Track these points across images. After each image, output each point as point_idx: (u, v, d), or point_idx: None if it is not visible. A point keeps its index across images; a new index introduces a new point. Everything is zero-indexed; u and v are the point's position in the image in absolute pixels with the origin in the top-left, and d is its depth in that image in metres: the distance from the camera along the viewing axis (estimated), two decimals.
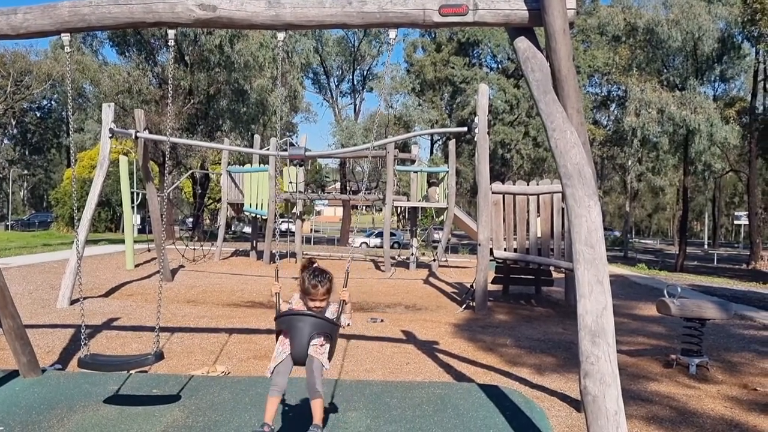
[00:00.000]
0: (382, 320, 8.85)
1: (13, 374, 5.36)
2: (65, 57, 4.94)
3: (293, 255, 17.33)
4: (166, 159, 24.25)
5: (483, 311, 9.83)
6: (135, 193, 18.88)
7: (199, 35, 30.26)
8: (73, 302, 9.47)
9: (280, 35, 4.66)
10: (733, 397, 5.48)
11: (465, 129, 11.42)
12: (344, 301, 3.88)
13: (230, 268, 16.09)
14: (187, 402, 4.76)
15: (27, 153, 56.61)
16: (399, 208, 18.90)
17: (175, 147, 26.99)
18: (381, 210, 22.25)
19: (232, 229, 42.23)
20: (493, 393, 5.12)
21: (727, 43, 32.86)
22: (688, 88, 32.52)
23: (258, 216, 18.21)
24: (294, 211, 18.20)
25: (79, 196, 5.43)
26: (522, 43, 4.37)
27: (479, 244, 10.14)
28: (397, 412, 4.60)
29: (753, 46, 33.21)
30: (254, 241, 19.41)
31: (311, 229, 46.17)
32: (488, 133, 11.00)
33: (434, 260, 17.46)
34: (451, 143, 17.78)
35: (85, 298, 6.58)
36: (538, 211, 10.76)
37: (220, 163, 21.87)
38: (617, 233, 64.13)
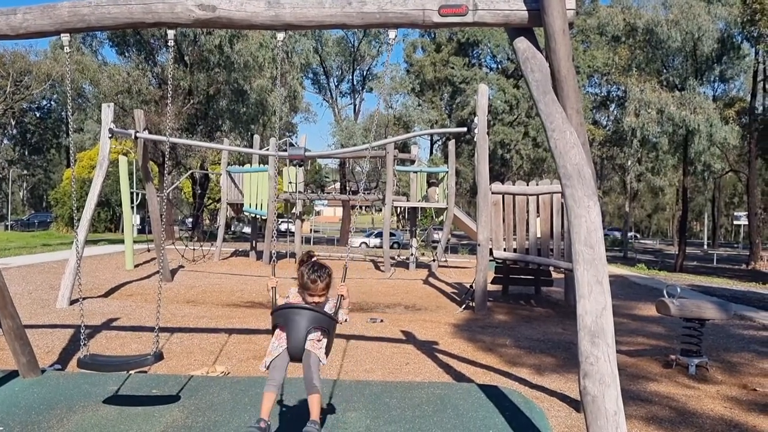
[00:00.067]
0: (381, 320, 8.85)
1: (13, 374, 5.35)
2: (65, 57, 4.94)
3: (293, 255, 17.33)
4: (166, 159, 24.29)
5: (482, 311, 9.83)
6: (134, 193, 18.90)
7: (199, 35, 30.27)
8: (72, 302, 9.47)
9: (280, 35, 4.66)
10: (733, 397, 5.48)
11: (464, 129, 11.44)
12: (342, 295, 3.81)
13: (230, 268, 16.09)
14: (186, 402, 4.75)
15: (26, 153, 56.59)
16: (399, 209, 18.91)
17: (174, 147, 26.99)
18: (381, 210, 22.26)
19: (232, 229, 42.20)
20: (493, 393, 5.12)
21: (726, 44, 32.86)
22: (687, 89, 32.52)
23: (257, 216, 18.21)
24: (294, 211, 18.21)
25: (78, 197, 5.42)
26: (521, 43, 4.37)
27: (479, 245, 10.14)
28: (397, 412, 4.60)
29: (752, 47, 33.21)
30: (254, 242, 19.41)
31: (311, 230, 46.13)
32: (488, 133, 11.01)
33: (434, 260, 17.47)
34: (451, 143, 17.80)
35: (84, 299, 6.57)
36: (538, 212, 10.76)
37: (219, 164, 21.88)
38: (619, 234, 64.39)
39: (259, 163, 19.21)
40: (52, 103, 52.81)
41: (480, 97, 10.57)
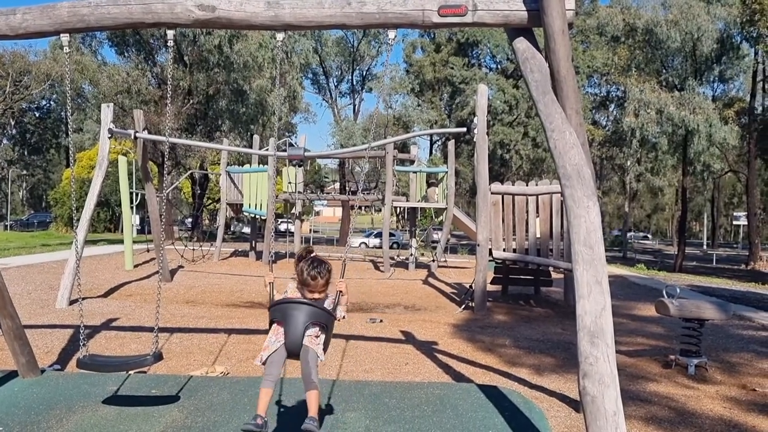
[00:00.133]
0: (381, 320, 8.85)
1: (12, 375, 5.35)
2: (64, 57, 4.94)
3: (292, 255, 17.33)
4: (165, 159, 24.28)
5: (482, 312, 9.83)
6: (134, 194, 18.89)
7: (199, 35, 30.28)
8: (72, 302, 9.47)
9: (280, 36, 4.66)
10: (732, 397, 5.48)
11: (464, 129, 11.41)
12: (341, 291, 3.75)
13: (229, 268, 16.08)
14: (186, 402, 4.75)
15: (26, 153, 56.51)
16: (398, 209, 18.91)
17: (174, 147, 27.02)
18: (380, 210, 22.26)
19: (231, 229, 42.20)
20: (492, 393, 5.12)
21: (726, 44, 32.90)
22: (687, 89, 32.55)
23: (257, 216, 18.21)
24: (293, 211, 18.20)
25: (78, 197, 5.42)
26: (521, 43, 4.37)
27: (478, 245, 10.14)
28: (396, 412, 4.60)
29: (752, 47, 33.23)
30: (253, 242, 19.41)
31: (310, 230, 46.13)
32: (487, 133, 11.01)
33: (433, 260, 17.47)
34: (450, 143, 17.81)
35: (84, 299, 6.57)
36: (537, 212, 10.77)
37: (219, 164, 21.87)
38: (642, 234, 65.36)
39: (259, 164, 19.20)
40: (52, 103, 52.78)
41: (479, 98, 10.57)
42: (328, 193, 33.56)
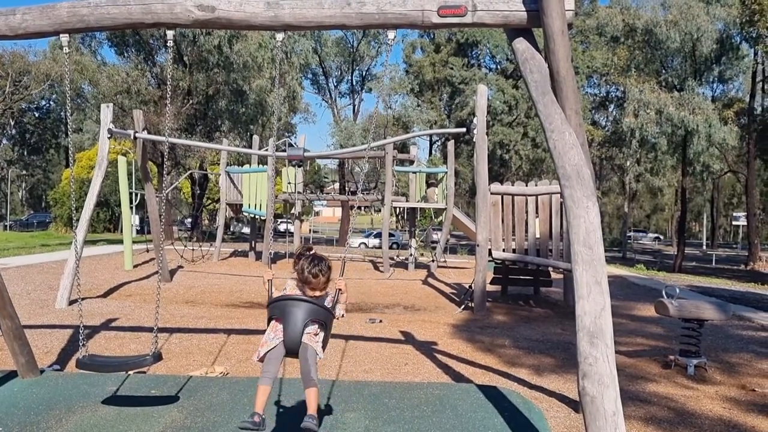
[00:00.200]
0: (380, 321, 8.85)
1: (12, 375, 5.35)
2: (64, 57, 4.94)
3: (292, 255, 17.33)
4: (165, 159, 24.22)
5: (481, 312, 9.83)
6: (133, 194, 18.88)
7: (198, 36, 30.28)
8: (71, 303, 9.46)
9: (279, 36, 4.66)
10: (732, 397, 5.48)
11: (464, 129, 11.43)
12: (340, 289, 3.73)
13: (229, 268, 16.08)
14: (185, 403, 4.75)
15: (25, 153, 56.49)
16: (398, 209, 18.92)
17: (173, 147, 27.01)
18: (380, 210, 22.26)
19: (231, 229, 42.20)
20: (492, 394, 5.12)
21: (725, 44, 32.89)
22: (686, 89, 32.54)
23: (257, 216, 18.21)
24: (293, 211, 18.20)
25: (77, 197, 5.41)
26: (521, 44, 4.38)
27: (478, 245, 10.14)
28: (396, 412, 4.60)
29: (751, 47, 33.21)
30: (253, 242, 19.41)
31: (310, 230, 46.14)
32: (487, 133, 11.01)
33: (433, 261, 17.47)
34: (450, 144, 17.82)
35: (83, 299, 6.57)
36: (537, 212, 10.77)
37: (218, 164, 21.87)
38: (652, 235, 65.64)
39: (258, 164, 19.20)
40: (51, 103, 52.77)
41: (479, 98, 10.58)
42: (327, 194, 33.56)
